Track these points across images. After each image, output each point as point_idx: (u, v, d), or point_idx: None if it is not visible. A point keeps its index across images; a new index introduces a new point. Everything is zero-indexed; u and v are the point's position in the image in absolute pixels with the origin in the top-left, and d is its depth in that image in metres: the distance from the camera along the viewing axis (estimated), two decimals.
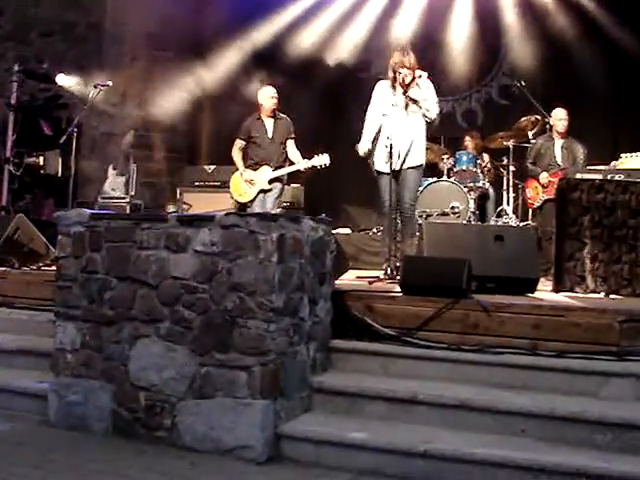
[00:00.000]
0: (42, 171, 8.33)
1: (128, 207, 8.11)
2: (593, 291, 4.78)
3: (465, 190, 7.63)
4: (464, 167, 7.91)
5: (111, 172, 8.62)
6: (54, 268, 4.28)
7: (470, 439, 3.29)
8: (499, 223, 7.61)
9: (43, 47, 9.13)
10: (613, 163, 5.93)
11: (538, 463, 3.06)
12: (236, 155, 6.82)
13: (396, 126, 5.43)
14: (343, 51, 9.36)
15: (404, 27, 9.05)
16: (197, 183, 8.60)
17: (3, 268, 5.30)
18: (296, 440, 3.45)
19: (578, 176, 5.29)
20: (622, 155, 5.81)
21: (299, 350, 3.67)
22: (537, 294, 4.62)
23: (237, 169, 6.83)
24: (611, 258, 4.80)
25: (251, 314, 3.45)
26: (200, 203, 8.03)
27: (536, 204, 7.07)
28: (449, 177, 7.89)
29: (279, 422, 3.47)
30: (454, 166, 7.98)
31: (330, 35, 9.32)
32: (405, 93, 5.46)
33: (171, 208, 8.55)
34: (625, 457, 3.11)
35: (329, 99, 9.43)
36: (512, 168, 7.90)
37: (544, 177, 6.91)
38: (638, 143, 6.41)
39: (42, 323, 4.46)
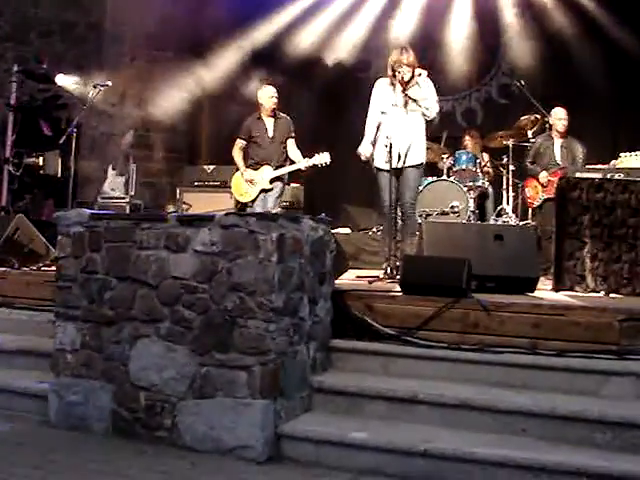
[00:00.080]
0: (42, 171, 8.30)
1: (128, 207, 8.11)
2: (593, 290, 4.78)
3: (465, 189, 7.61)
4: (464, 166, 7.89)
5: (111, 172, 8.61)
6: (54, 268, 4.29)
7: (470, 438, 3.29)
8: (499, 222, 7.59)
9: (43, 47, 9.11)
10: (613, 162, 5.93)
11: (538, 462, 3.07)
12: (237, 155, 6.81)
13: (395, 125, 5.42)
14: (342, 51, 9.38)
15: (403, 27, 9.06)
16: (197, 183, 8.59)
17: (3, 268, 5.30)
18: (296, 440, 3.45)
19: (578, 175, 5.28)
20: (621, 154, 5.81)
21: (299, 350, 3.67)
22: (537, 293, 4.63)
23: (237, 169, 6.82)
24: (611, 257, 4.80)
25: (251, 314, 3.45)
26: (200, 203, 8.03)
27: (536, 203, 7.08)
28: (449, 176, 7.87)
29: (279, 422, 3.47)
30: (453, 165, 7.97)
31: (329, 35, 9.34)
32: (404, 91, 5.45)
33: (171, 208, 8.55)
34: (625, 456, 3.11)
35: (329, 99, 9.44)
36: (512, 167, 7.88)
37: (544, 176, 6.91)
38: (638, 142, 6.40)
39: (42, 323, 4.46)
